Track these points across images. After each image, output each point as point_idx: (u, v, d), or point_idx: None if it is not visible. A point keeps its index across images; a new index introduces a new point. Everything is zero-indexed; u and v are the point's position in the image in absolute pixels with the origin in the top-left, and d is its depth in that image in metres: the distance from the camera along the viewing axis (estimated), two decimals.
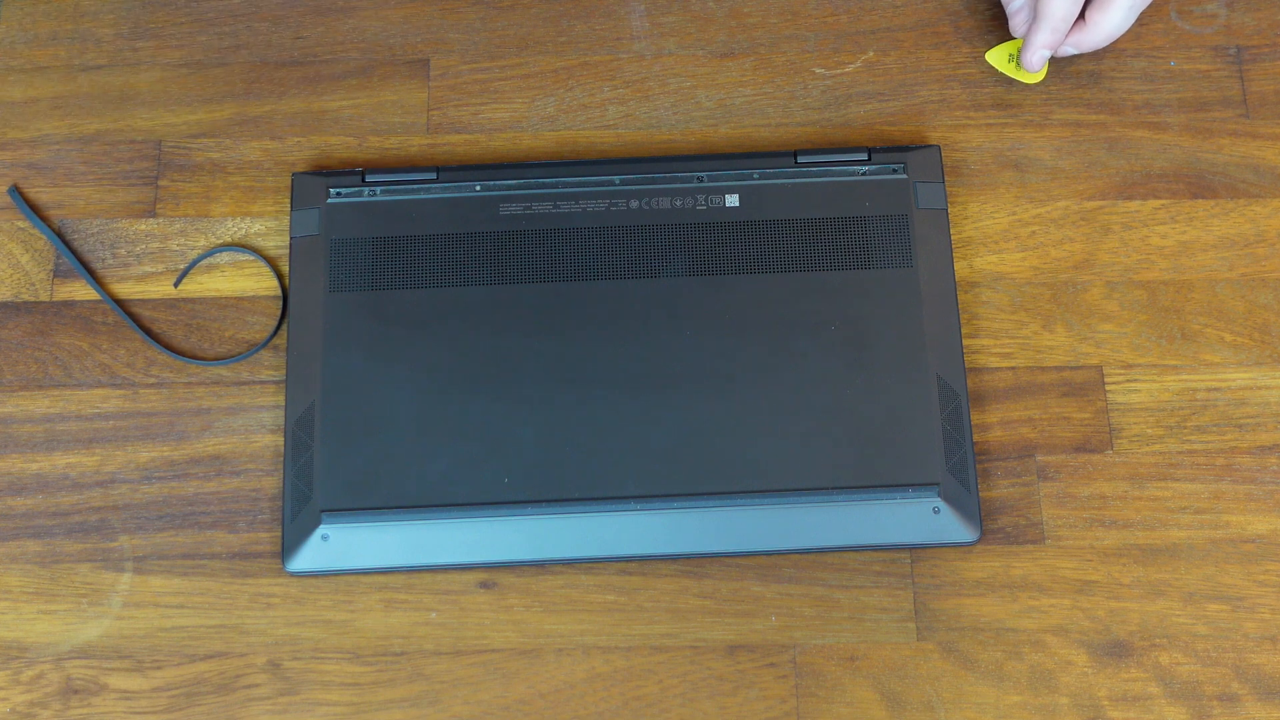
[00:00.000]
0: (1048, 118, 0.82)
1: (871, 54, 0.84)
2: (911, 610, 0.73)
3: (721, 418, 0.74)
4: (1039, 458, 0.76)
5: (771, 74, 0.84)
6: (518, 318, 0.76)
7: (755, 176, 0.79)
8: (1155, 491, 0.76)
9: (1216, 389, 0.77)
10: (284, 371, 0.77)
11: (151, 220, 0.81)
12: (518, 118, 0.83)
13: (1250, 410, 0.77)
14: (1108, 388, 0.77)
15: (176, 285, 0.80)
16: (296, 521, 0.73)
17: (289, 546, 0.73)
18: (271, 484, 0.76)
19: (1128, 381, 0.77)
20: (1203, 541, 0.75)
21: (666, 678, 0.73)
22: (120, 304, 0.79)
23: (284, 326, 0.79)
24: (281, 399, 0.77)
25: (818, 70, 0.84)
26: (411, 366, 0.75)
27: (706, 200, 0.78)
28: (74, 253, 0.80)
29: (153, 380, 0.78)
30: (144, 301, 0.79)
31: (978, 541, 0.74)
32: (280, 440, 0.76)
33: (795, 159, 0.79)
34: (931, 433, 0.74)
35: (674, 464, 0.73)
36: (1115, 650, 0.73)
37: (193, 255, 0.80)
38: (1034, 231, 0.80)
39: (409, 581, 0.74)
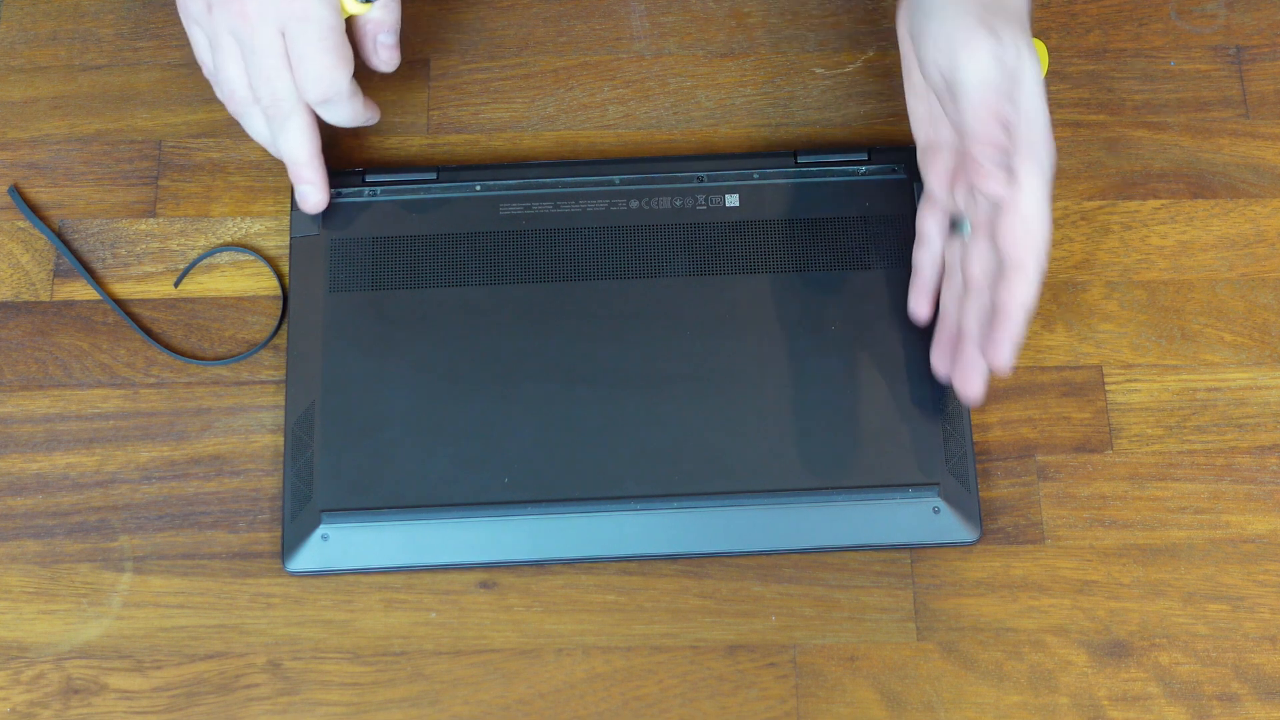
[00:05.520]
0: None
1: (871, 54, 0.84)
2: (911, 610, 0.73)
3: (721, 417, 0.74)
4: (1039, 458, 0.76)
5: (771, 74, 0.84)
6: (518, 318, 0.76)
7: (755, 176, 0.79)
8: (1155, 491, 0.76)
9: (1216, 389, 0.77)
10: (284, 371, 0.77)
11: (151, 220, 0.81)
12: (518, 118, 0.83)
13: (1250, 410, 0.77)
14: (1108, 388, 0.77)
15: (176, 285, 0.80)
16: (296, 521, 0.73)
17: (289, 546, 0.73)
18: (271, 484, 0.76)
19: (1128, 381, 0.77)
20: (1203, 541, 0.75)
21: (666, 678, 0.73)
22: (120, 304, 0.79)
23: (284, 326, 0.79)
24: (281, 399, 0.77)
25: (818, 70, 0.84)
26: (411, 366, 0.75)
27: (706, 200, 0.78)
28: (74, 253, 0.80)
29: (153, 380, 0.78)
30: (144, 301, 0.79)
31: (978, 541, 0.74)
32: (280, 440, 0.76)
33: (795, 159, 0.79)
34: (931, 433, 0.74)
35: (674, 464, 0.73)
36: (1115, 650, 0.73)
37: (193, 255, 0.80)
38: None
39: (409, 581, 0.74)
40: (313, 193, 0.76)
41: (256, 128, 0.76)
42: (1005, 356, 0.68)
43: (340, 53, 0.73)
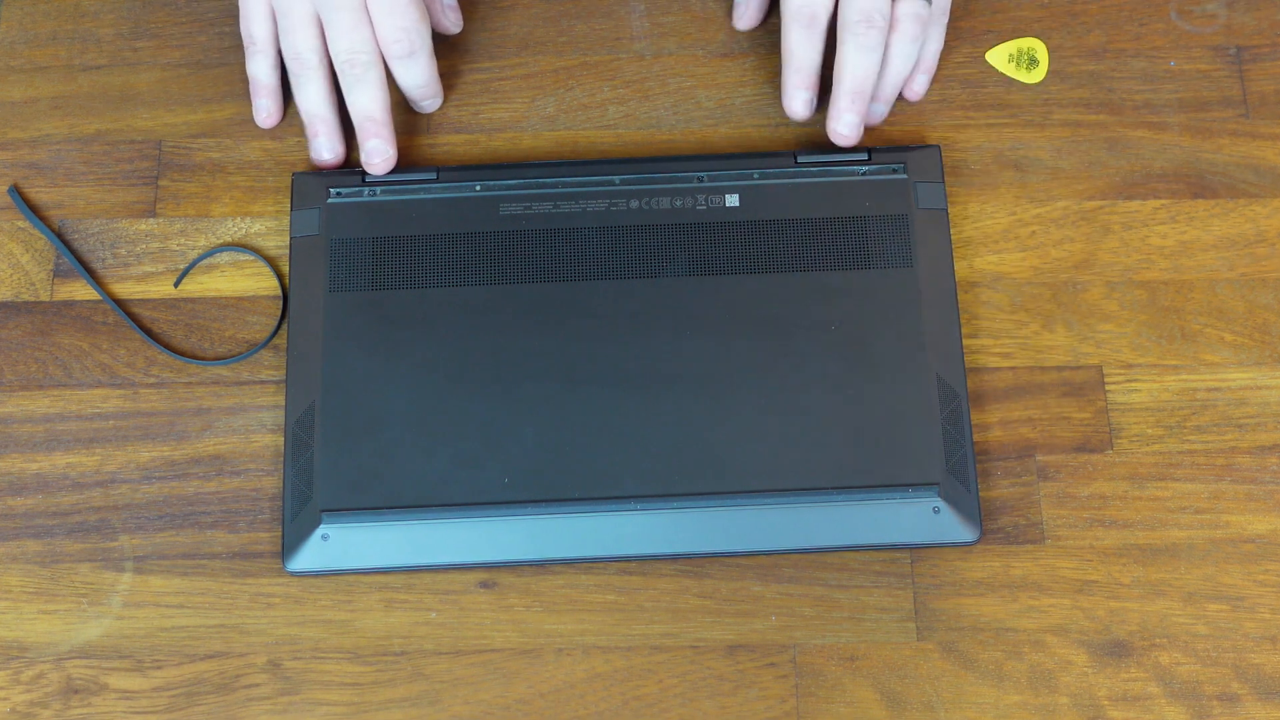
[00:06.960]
0: (1048, 118, 0.82)
1: None
2: (911, 610, 0.73)
3: (721, 417, 0.74)
4: (1039, 458, 0.76)
5: (771, 74, 0.84)
6: (518, 318, 0.76)
7: (755, 176, 0.79)
8: (1155, 491, 0.76)
9: (1216, 389, 0.77)
10: (284, 371, 0.77)
11: (151, 220, 0.81)
12: (518, 118, 0.83)
13: (1250, 410, 0.77)
14: (1108, 388, 0.77)
15: (176, 285, 0.80)
16: (296, 521, 0.73)
17: (289, 546, 0.73)
18: (271, 484, 0.76)
19: (1128, 381, 0.77)
20: (1203, 541, 0.75)
21: (666, 678, 0.73)
22: (120, 304, 0.79)
23: (284, 326, 0.79)
24: (281, 399, 0.77)
25: None
26: (411, 366, 0.75)
27: (706, 200, 0.78)
28: (74, 253, 0.80)
29: (153, 380, 0.78)
30: (144, 301, 0.79)
31: (978, 541, 0.74)
32: (280, 440, 0.76)
33: (795, 159, 0.79)
34: (931, 433, 0.74)
35: (674, 464, 0.73)
36: (1115, 650, 0.73)
37: (193, 255, 0.80)
38: (1034, 231, 0.80)
39: (409, 581, 0.74)
40: (383, 147, 0.78)
41: (310, 95, 0.78)
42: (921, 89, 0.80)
43: (420, 8, 0.77)
